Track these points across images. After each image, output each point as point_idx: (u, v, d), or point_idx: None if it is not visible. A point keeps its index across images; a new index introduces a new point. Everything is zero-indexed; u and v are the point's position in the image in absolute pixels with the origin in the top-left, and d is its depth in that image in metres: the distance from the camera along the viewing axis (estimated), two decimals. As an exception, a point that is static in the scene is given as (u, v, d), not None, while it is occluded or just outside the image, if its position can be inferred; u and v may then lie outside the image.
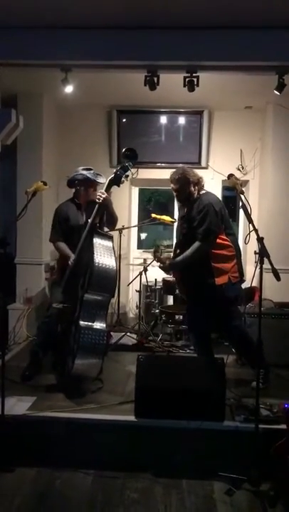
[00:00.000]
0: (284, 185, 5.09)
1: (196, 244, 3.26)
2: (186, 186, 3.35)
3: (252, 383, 3.25)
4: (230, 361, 3.33)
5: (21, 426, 2.87)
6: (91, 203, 3.53)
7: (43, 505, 2.47)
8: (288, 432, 2.53)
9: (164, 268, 3.48)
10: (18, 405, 3.04)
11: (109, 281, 3.27)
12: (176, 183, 3.37)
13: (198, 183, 3.39)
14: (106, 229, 3.58)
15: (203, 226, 3.25)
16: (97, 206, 3.38)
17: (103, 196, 3.38)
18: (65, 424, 2.88)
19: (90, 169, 3.67)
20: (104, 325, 3.24)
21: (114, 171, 3.46)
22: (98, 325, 3.20)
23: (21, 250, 5.16)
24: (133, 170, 5.72)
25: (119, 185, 3.48)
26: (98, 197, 3.39)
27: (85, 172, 3.63)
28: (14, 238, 5.10)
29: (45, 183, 3.41)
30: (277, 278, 2.66)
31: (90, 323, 3.17)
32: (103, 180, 3.59)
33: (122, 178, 3.42)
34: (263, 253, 2.64)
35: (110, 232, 3.57)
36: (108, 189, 3.43)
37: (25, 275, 5.11)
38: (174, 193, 3.47)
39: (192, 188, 3.36)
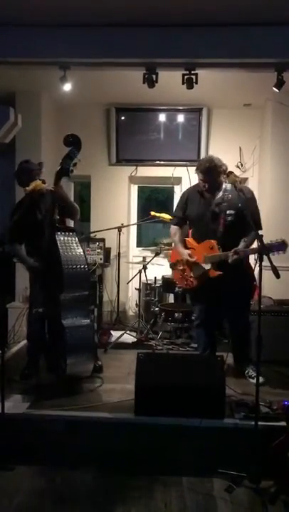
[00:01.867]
0: (283, 183, 5.08)
1: (254, 233, 3.06)
2: (216, 176, 3.25)
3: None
4: (229, 358, 3.33)
5: (21, 424, 2.87)
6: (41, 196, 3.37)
7: (43, 503, 2.46)
8: (288, 429, 2.53)
9: (237, 260, 3.13)
10: (18, 404, 3.04)
11: (81, 278, 3.22)
12: (207, 174, 3.24)
13: (226, 171, 3.23)
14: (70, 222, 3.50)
15: (257, 216, 3.21)
16: (51, 202, 3.25)
17: (53, 189, 3.24)
18: (64, 423, 2.87)
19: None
20: (89, 320, 3.23)
21: (60, 161, 3.28)
22: (81, 321, 3.18)
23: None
24: (132, 167, 5.75)
25: (69, 176, 3.30)
26: (50, 189, 3.27)
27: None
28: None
29: (43, 182, 3.40)
30: (277, 275, 2.66)
31: (72, 322, 3.15)
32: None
33: (71, 168, 3.26)
34: (262, 250, 2.64)
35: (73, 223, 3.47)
36: (57, 181, 3.27)
37: (25, 274, 5.04)
38: (204, 184, 3.28)
39: (222, 178, 3.26)
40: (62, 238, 3.22)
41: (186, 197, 3.51)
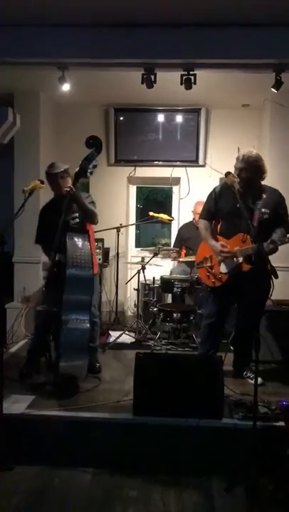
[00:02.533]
0: (281, 183, 5.04)
1: (283, 229, 3.23)
2: (260, 175, 3.32)
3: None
4: (228, 359, 3.33)
5: (20, 424, 2.87)
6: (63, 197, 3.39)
7: (42, 504, 2.47)
8: (286, 428, 2.54)
9: (273, 250, 3.14)
10: (17, 404, 3.03)
11: (85, 283, 3.22)
12: (252, 168, 3.26)
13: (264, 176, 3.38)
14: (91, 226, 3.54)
15: (287, 217, 3.32)
16: (66, 202, 3.28)
17: (69, 189, 3.26)
18: (63, 423, 2.88)
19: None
20: (87, 325, 3.22)
21: (79, 163, 3.31)
22: (80, 325, 3.18)
23: (19, 249, 5.15)
24: (131, 168, 5.76)
25: (87, 177, 3.35)
26: (67, 189, 3.28)
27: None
28: (12, 237, 5.10)
29: (42, 182, 3.39)
30: (275, 276, 2.67)
31: (70, 325, 3.15)
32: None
33: (90, 169, 3.28)
34: (261, 251, 2.65)
35: (93, 227, 3.50)
36: (75, 182, 3.30)
37: (23, 274, 5.11)
38: (245, 179, 3.20)
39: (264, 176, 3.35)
40: (73, 239, 3.24)
41: (219, 191, 3.47)
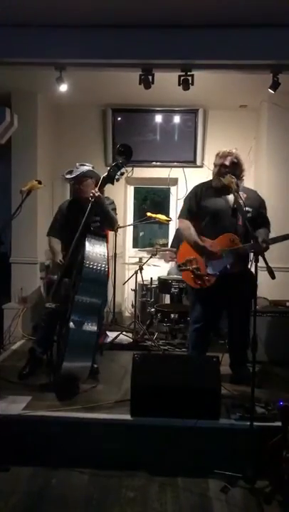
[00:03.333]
0: (278, 183, 5.10)
1: (267, 230, 3.32)
2: (240, 173, 3.37)
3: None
4: (225, 359, 3.33)
5: (17, 425, 2.87)
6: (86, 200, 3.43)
7: (39, 504, 2.46)
8: (283, 429, 2.54)
9: (266, 249, 3.07)
10: (14, 405, 3.03)
11: (98, 286, 3.23)
12: (237, 160, 3.36)
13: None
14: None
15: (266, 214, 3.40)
16: (90, 205, 3.31)
17: (96, 194, 3.29)
18: (60, 423, 2.87)
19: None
20: (95, 328, 3.20)
21: (108, 168, 3.38)
22: (88, 327, 3.17)
23: (16, 249, 5.14)
24: (128, 169, 5.75)
25: (113, 183, 3.38)
26: (91, 195, 3.32)
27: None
28: (9, 237, 5.10)
29: (39, 182, 3.40)
30: (272, 276, 2.68)
31: (79, 326, 3.14)
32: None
33: (117, 176, 3.33)
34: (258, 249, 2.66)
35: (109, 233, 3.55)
36: (101, 187, 3.35)
37: (20, 274, 5.10)
38: (231, 168, 3.30)
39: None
40: (92, 241, 3.25)
41: (201, 190, 3.44)
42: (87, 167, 3.56)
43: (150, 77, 3.65)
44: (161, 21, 3.39)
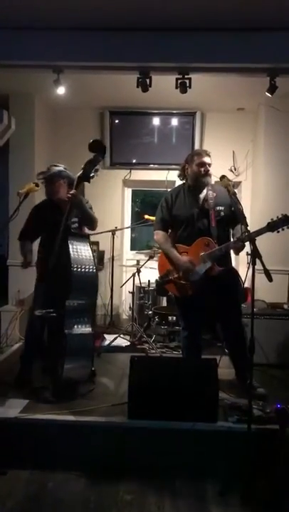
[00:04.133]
0: (276, 186, 5.12)
1: (240, 225, 3.12)
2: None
3: (258, 389, 3.25)
4: (222, 362, 3.32)
5: (14, 429, 2.85)
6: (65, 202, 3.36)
7: (36, 508, 2.45)
8: (281, 431, 2.54)
9: (242, 247, 3.12)
10: (11, 408, 3.02)
11: (88, 285, 3.21)
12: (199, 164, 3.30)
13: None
14: (86, 230, 3.54)
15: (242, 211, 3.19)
16: (69, 206, 3.24)
17: (74, 194, 3.23)
18: (57, 427, 2.86)
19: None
20: (90, 328, 3.20)
21: (82, 167, 3.28)
22: (83, 329, 3.17)
23: (13, 252, 5.11)
24: (126, 171, 5.76)
25: (89, 182, 3.30)
26: (69, 196, 3.25)
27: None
28: (6, 240, 5.09)
29: (37, 185, 3.40)
30: (269, 279, 2.67)
31: (74, 329, 3.14)
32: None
33: (92, 174, 3.25)
34: (255, 254, 2.65)
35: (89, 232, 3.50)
36: (77, 187, 3.27)
37: (18, 277, 5.07)
38: (208, 168, 3.31)
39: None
40: (75, 243, 3.21)
41: (171, 198, 3.40)
42: (58, 168, 3.50)
43: (148, 80, 3.66)
44: (158, 25, 3.40)
